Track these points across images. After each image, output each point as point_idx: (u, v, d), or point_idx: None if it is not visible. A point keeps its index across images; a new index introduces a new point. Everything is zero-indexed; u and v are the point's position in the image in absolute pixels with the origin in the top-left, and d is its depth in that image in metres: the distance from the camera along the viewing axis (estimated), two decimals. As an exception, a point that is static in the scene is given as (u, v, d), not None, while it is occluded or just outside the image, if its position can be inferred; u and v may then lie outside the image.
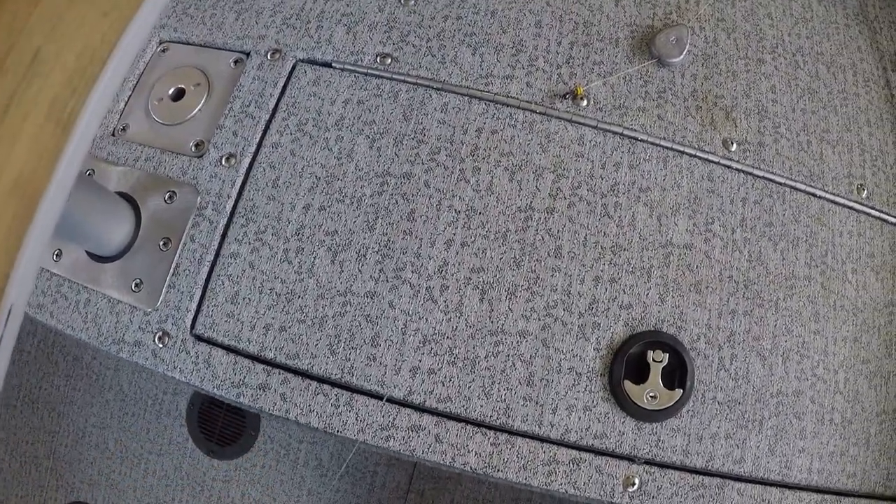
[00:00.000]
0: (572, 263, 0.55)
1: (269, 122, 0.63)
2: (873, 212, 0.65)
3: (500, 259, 0.55)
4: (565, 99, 0.60)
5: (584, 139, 0.59)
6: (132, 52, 0.35)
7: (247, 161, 0.61)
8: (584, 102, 0.60)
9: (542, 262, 0.55)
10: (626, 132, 0.59)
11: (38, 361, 0.88)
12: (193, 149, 0.62)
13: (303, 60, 0.64)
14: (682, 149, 0.60)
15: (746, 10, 0.69)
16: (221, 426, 0.86)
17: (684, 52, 0.62)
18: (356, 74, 0.62)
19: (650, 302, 0.56)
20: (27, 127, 0.28)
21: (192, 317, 0.58)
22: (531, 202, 0.56)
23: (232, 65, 0.66)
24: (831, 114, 0.67)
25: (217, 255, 0.59)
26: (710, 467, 0.55)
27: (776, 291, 0.59)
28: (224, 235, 0.59)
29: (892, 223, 0.66)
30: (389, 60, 0.62)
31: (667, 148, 0.60)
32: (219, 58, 0.67)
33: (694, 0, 0.67)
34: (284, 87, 0.64)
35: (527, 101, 0.59)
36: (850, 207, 0.65)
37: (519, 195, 0.57)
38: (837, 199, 0.64)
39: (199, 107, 0.64)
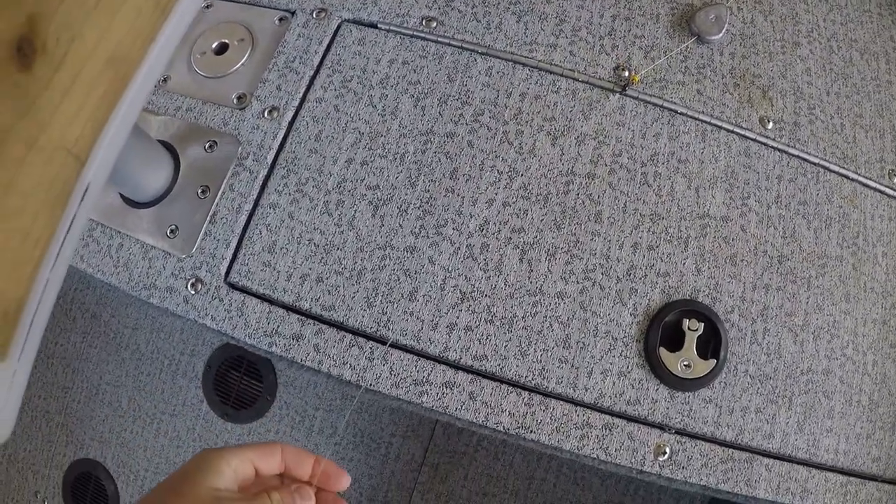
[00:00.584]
0: (612, 229, 0.56)
1: (313, 77, 0.63)
2: (904, 200, 0.67)
3: (541, 221, 0.56)
4: (616, 72, 0.61)
5: (625, 109, 0.59)
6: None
7: (290, 114, 0.62)
8: (626, 73, 0.60)
9: (582, 226, 0.56)
10: (666, 104, 0.60)
11: (55, 317, 0.88)
12: (236, 101, 0.63)
13: (348, 20, 0.65)
14: (720, 123, 0.61)
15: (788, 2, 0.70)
16: (238, 390, 0.86)
17: (723, 31, 0.63)
18: (401, 36, 0.63)
19: (687, 271, 0.56)
20: (128, 3, 0.28)
21: (227, 265, 0.58)
22: (572, 167, 0.57)
23: (277, 22, 0.67)
24: (864, 99, 0.68)
25: (256, 204, 0.59)
26: (739, 441, 0.55)
27: (809, 269, 0.60)
28: (264, 186, 0.60)
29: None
30: (435, 24, 0.62)
31: (705, 122, 0.61)
32: (264, 15, 0.68)
33: (735, -20, 0.69)
34: (329, 45, 0.64)
35: (570, 70, 0.60)
36: (882, 192, 0.66)
37: (561, 159, 0.57)
38: (870, 182, 0.65)
39: (242, 61, 0.64)
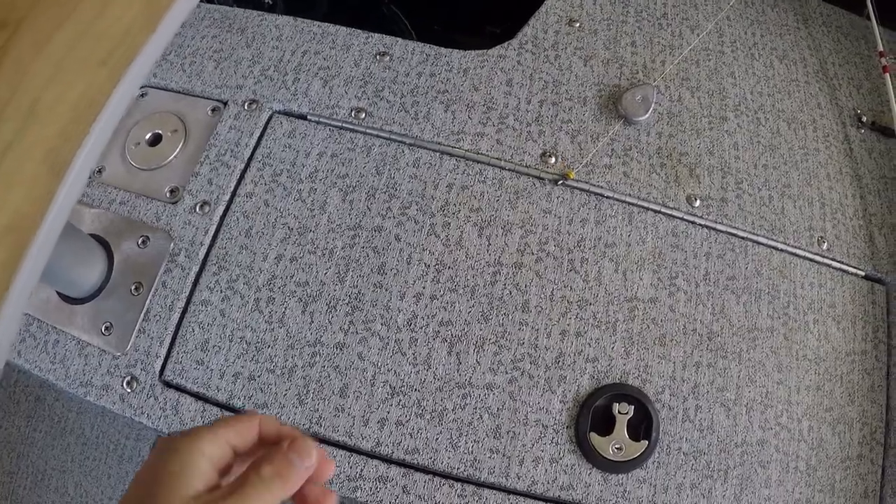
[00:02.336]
0: (539, 317, 0.60)
1: (244, 171, 0.67)
2: (834, 263, 0.71)
3: (469, 313, 0.60)
4: (543, 158, 0.65)
5: (552, 196, 0.64)
6: (126, 101, 0.38)
7: (221, 209, 0.65)
8: (552, 160, 0.65)
9: (510, 316, 0.60)
10: (593, 189, 0.65)
11: (-1, 402, 0.90)
12: (168, 194, 0.66)
13: (279, 112, 0.69)
14: (647, 205, 0.65)
15: (710, 70, 0.76)
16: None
17: (650, 111, 0.68)
18: (331, 128, 0.67)
19: (616, 355, 0.60)
20: (23, 172, 0.31)
21: (161, 363, 0.61)
22: (499, 257, 0.61)
23: (209, 113, 0.71)
24: (792, 169, 0.73)
25: (188, 301, 0.62)
26: None
27: (739, 343, 0.64)
28: (196, 282, 0.63)
29: (852, 274, 0.72)
30: (364, 115, 0.67)
31: (632, 204, 0.65)
32: (196, 105, 0.72)
33: (660, 60, 0.74)
34: (260, 137, 0.68)
35: (496, 158, 0.64)
36: (812, 259, 0.70)
37: (488, 250, 0.61)
38: (798, 251, 0.70)
39: (175, 153, 0.68)
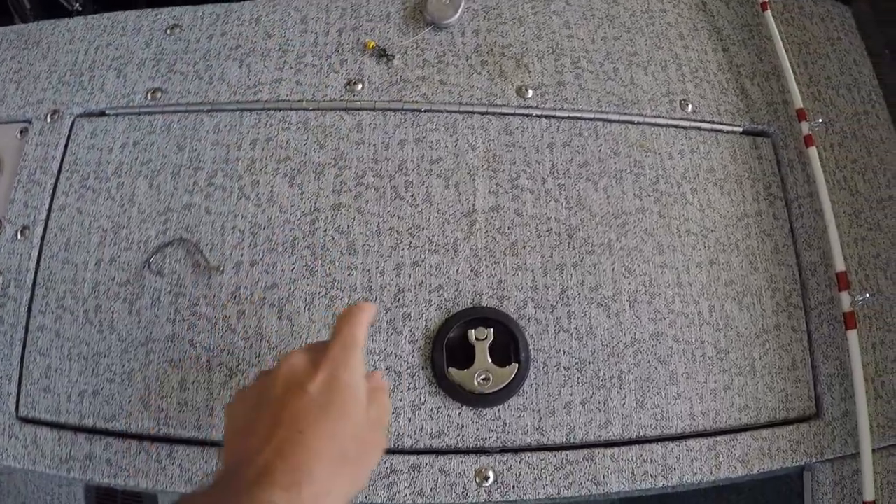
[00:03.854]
0: (368, 257, 0.53)
1: (55, 185, 0.61)
2: (703, 125, 0.63)
3: (293, 270, 0.53)
4: (349, 87, 0.58)
5: (362, 125, 0.57)
6: None
7: (40, 230, 0.60)
8: (359, 87, 0.58)
9: (336, 263, 0.53)
10: (406, 107, 0.58)
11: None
12: (-9, 229, 0.61)
13: (80, 115, 0.63)
14: (470, 109, 0.58)
15: (525, -48, 0.67)
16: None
17: (460, 11, 0.61)
18: (129, 116, 0.61)
19: (462, 277, 0.53)
20: None
21: (14, 400, 0.56)
22: (315, 203, 0.55)
23: (18, 136, 0.65)
24: (637, 35, 0.65)
25: (26, 331, 0.57)
26: (571, 440, 0.52)
27: (607, 233, 0.57)
28: (29, 310, 0.58)
29: (728, 132, 0.64)
30: (160, 94, 0.61)
31: (453, 112, 0.58)
32: (6, 131, 0.66)
33: (467, -46, 0.66)
34: (66, 146, 0.62)
35: (297, 101, 0.57)
36: (676, 126, 0.63)
37: (301, 199, 0.55)
38: (659, 120, 0.62)
39: (-8, 186, 0.62)
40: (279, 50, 0.60)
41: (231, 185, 0.56)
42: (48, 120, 0.64)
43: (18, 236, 0.60)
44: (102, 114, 0.63)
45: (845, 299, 0.57)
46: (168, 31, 0.64)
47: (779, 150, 0.65)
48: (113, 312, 0.56)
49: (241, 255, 0.54)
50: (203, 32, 0.62)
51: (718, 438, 0.54)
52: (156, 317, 0.54)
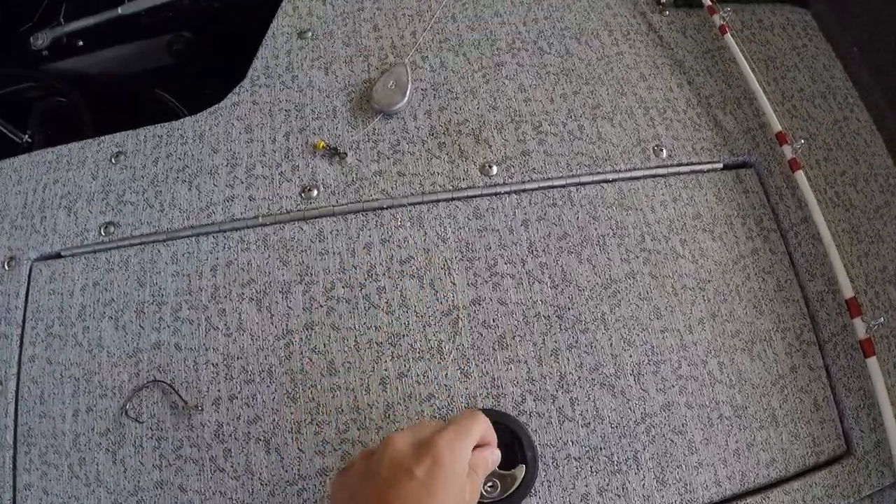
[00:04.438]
0: (350, 375, 0.50)
1: (21, 335, 0.59)
2: (682, 168, 0.60)
3: (273, 399, 0.50)
4: (304, 194, 0.55)
5: (323, 233, 0.54)
6: None
7: (13, 384, 0.58)
8: (315, 192, 0.55)
9: (318, 386, 0.50)
10: (366, 206, 0.55)
11: None
12: (-41, 395, 0.58)
13: (36, 259, 0.61)
14: (434, 197, 0.56)
15: (470, 19, 0.65)
16: None
17: (407, 94, 0.58)
18: (86, 255, 0.59)
19: (452, 382, 0.50)
20: None
21: (10, 569, 0.53)
22: (286, 325, 0.52)
23: (-22, 287, 0.62)
24: (597, 86, 0.62)
25: (14, 490, 0.54)
26: None
27: (598, 306, 0.53)
28: (14, 468, 0.55)
29: (708, 171, 0.61)
30: (113, 228, 0.58)
31: (417, 203, 0.55)
32: (-34, 285, 0.63)
33: (409, 32, 0.64)
34: (27, 293, 0.60)
35: (253, 218, 0.55)
36: (654, 175, 0.59)
37: (272, 322, 0.52)
38: (635, 172, 0.59)
39: (-50, 349, 0.60)
40: (227, 165, 0.58)
41: (198, 316, 0.53)
42: (6, 267, 0.61)
43: None
44: (59, 255, 0.60)
45: (859, 326, 0.54)
46: (113, 160, 0.61)
47: (764, 179, 0.62)
48: (97, 464, 0.53)
49: (219, 390, 0.51)
50: (148, 157, 0.60)
51: (749, 501, 0.50)
52: (141, 465, 0.51)
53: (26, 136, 0.77)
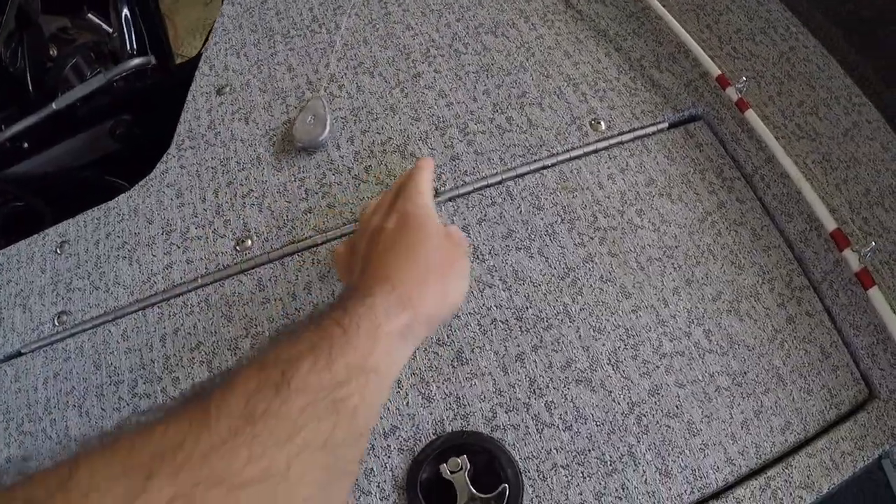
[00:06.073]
0: (309, 422, 0.48)
1: None
2: (624, 137, 0.59)
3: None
4: (238, 247, 0.55)
5: (262, 282, 0.54)
6: None
7: (-7, 496, 0.57)
8: (248, 242, 0.55)
9: (278, 442, 0.48)
10: (301, 246, 0.55)
11: None
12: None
13: (1, 361, 0.62)
14: (367, 222, 0.54)
15: (382, 38, 0.66)
16: None
17: (328, 124, 0.58)
18: (44, 349, 0.60)
19: (414, 409, 0.48)
20: None
21: None
22: (238, 383, 0.50)
23: (-52, 401, 0.64)
24: (520, 74, 0.62)
25: None
26: None
27: (559, 299, 0.51)
28: None
29: (653, 134, 0.58)
30: (65, 316, 0.59)
31: (350, 233, 0.55)
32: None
33: (322, 64, 0.65)
34: None
35: (192, 280, 0.55)
36: (595, 150, 0.58)
37: (223, 384, 0.51)
38: (573, 152, 0.58)
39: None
40: (163, 233, 0.59)
41: (153, 389, 0.53)
42: None
43: None
44: (19, 354, 0.62)
45: (851, 258, 0.50)
46: (58, 250, 0.63)
47: (716, 128, 0.59)
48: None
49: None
50: (89, 241, 0.62)
51: (770, 473, 0.46)
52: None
53: (-16, 235, 0.80)
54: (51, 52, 0.86)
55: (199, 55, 0.70)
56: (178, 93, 0.68)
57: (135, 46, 0.96)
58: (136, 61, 0.77)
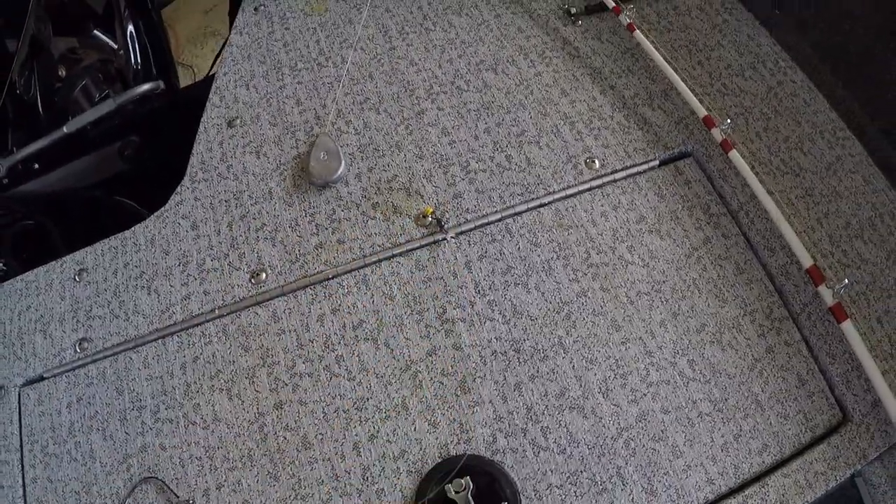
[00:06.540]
0: (324, 445, 0.53)
1: (21, 459, 0.63)
2: (617, 175, 0.63)
3: (258, 481, 0.54)
4: (253, 279, 0.59)
5: (277, 313, 0.58)
6: None
7: (21, 508, 0.62)
8: (263, 276, 0.59)
9: (296, 462, 0.54)
10: (312, 280, 0.59)
11: None
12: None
13: (22, 385, 0.66)
14: (375, 257, 0.59)
15: (387, 74, 0.69)
16: None
17: (342, 160, 0.61)
18: (66, 374, 0.64)
19: (421, 434, 0.53)
20: None
21: None
22: (257, 408, 0.56)
23: (-23, 421, 0.68)
24: (519, 112, 0.65)
25: None
26: None
27: (554, 332, 0.56)
28: None
29: (645, 171, 0.63)
30: (86, 343, 0.63)
31: (360, 267, 0.59)
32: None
33: (330, 99, 0.68)
34: (20, 418, 0.65)
35: (210, 311, 0.59)
36: (589, 188, 0.61)
37: (243, 408, 0.56)
38: (569, 190, 0.61)
39: (-45, 490, 0.65)
40: (179, 264, 0.62)
41: (175, 415, 0.57)
42: None
43: None
44: (41, 378, 0.65)
45: (825, 294, 0.55)
46: (76, 278, 0.67)
47: (704, 165, 0.63)
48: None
49: (206, 481, 0.55)
50: (108, 269, 0.65)
51: (748, 492, 0.52)
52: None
53: (0, 263, 0.83)
54: (60, 73, 0.88)
55: (205, 79, 0.73)
56: (185, 116, 0.71)
57: (139, 61, 0.98)
58: (145, 87, 0.79)
